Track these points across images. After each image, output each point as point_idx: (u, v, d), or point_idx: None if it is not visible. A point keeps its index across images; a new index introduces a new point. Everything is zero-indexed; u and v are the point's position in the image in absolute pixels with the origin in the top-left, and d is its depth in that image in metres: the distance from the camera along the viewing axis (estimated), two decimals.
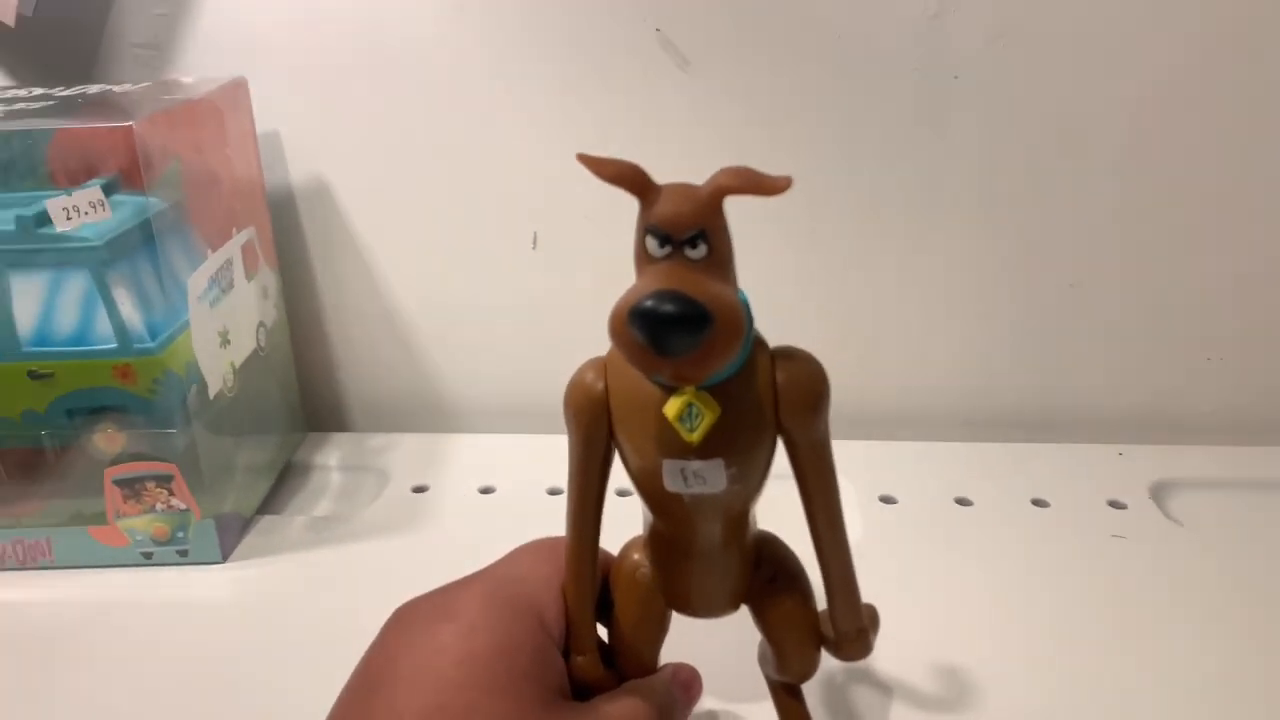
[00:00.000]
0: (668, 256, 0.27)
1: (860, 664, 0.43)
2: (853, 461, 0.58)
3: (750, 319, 0.29)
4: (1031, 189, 0.59)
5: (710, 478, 0.29)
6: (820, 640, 0.34)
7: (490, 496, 0.58)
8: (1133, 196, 0.59)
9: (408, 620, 0.31)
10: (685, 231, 0.26)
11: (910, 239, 0.61)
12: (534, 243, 0.62)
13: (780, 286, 0.58)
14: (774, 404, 0.29)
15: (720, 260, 0.27)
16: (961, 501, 0.56)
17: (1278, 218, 0.59)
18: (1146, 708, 0.41)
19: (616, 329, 0.26)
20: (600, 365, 0.30)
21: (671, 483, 0.29)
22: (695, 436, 0.28)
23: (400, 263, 0.64)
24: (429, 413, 0.68)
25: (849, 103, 0.57)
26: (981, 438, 0.62)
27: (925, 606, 0.47)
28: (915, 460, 0.60)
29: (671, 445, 0.28)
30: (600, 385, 0.30)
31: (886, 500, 0.56)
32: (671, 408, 0.28)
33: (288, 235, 0.63)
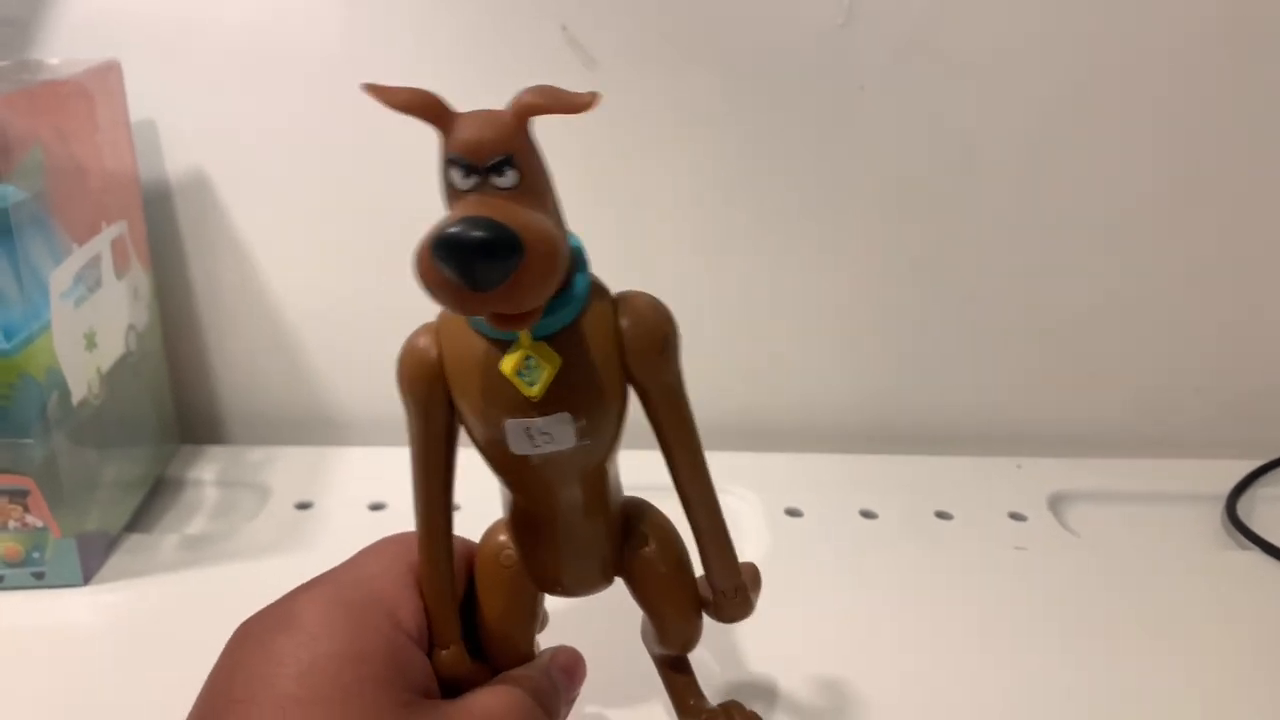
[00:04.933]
0: (475, 188, 0.25)
1: (766, 676, 0.43)
2: (758, 474, 0.58)
3: (584, 262, 0.28)
4: (932, 202, 0.59)
5: (557, 434, 0.27)
6: (700, 605, 0.33)
7: (381, 513, 0.55)
8: (1033, 211, 0.60)
9: (245, 636, 0.29)
10: (490, 157, 0.25)
11: (813, 251, 0.60)
12: None
13: (681, 297, 0.57)
14: (619, 350, 0.28)
15: (534, 188, 0.26)
16: (866, 514, 0.56)
17: (1169, 235, 0.60)
18: (1046, 713, 0.42)
19: (422, 266, 0.24)
20: (432, 330, 0.28)
21: (517, 444, 0.27)
22: (536, 391, 0.26)
23: (284, 263, 0.60)
24: (314, 424, 0.64)
25: (755, 109, 0.57)
26: (884, 450, 0.62)
27: (832, 618, 0.47)
28: (820, 473, 0.60)
29: (513, 404, 0.27)
30: (433, 351, 0.28)
31: (792, 513, 0.56)
32: (508, 363, 0.26)
33: (162, 232, 0.59)
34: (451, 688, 0.31)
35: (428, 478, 0.29)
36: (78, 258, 0.47)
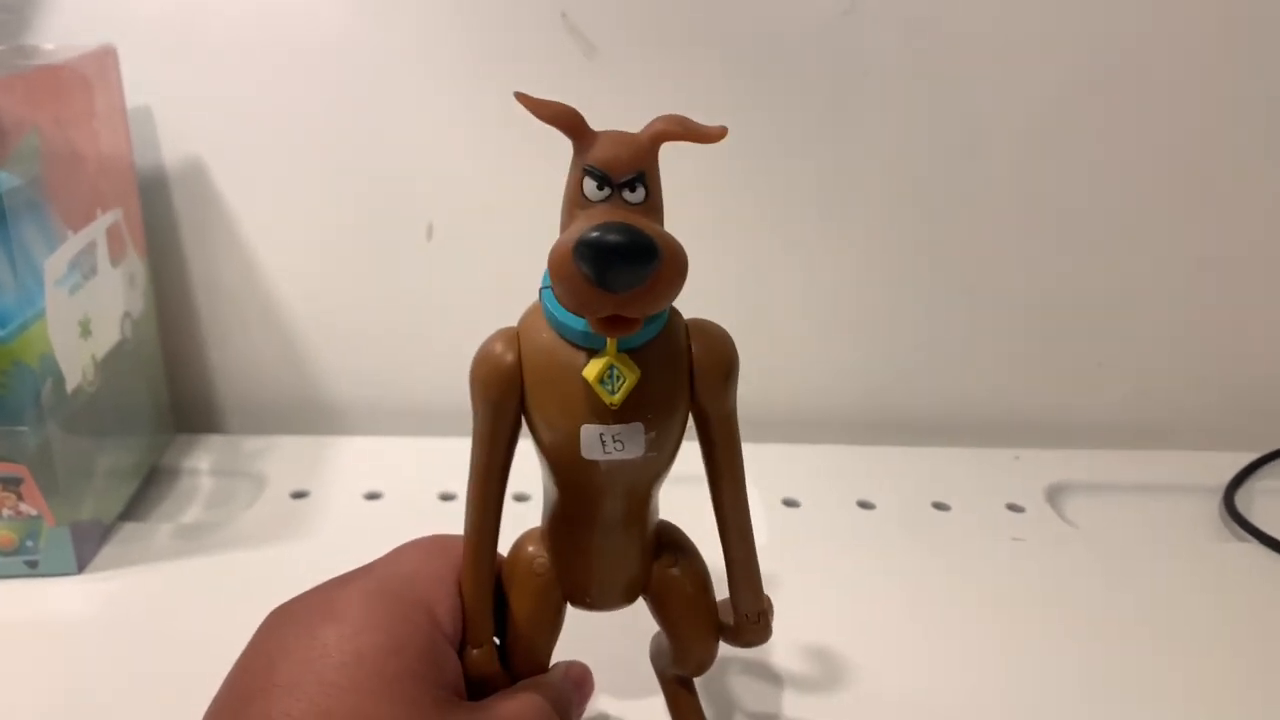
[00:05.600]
0: (606, 199, 0.27)
1: (762, 665, 0.43)
2: (756, 465, 0.57)
3: None
4: (934, 192, 0.59)
5: (629, 443, 0.28)
6: (719, 629, 0.34)
7: (377, 502, 0.55)
8: (1034, 202, 0.59)
9: (285, 622, 0.29)
10: (625, 174, 0.27)
11: (812, 239, 0.60)
12: (429, 233, 0.59)
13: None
14: (689, 372, 0.29)
15: (656, 206, 0.28)
16: (864, 505, 0.56)
17: (1173, 228, 0.60)
18: (1042, 704, 0.42)
19: (559, 264, 0.25)
20: (511, 335, 0.29)
21: (589, 449, 0.28)
22: (617, 399, 0.28)
23: (281, 252, 0.60)
24: (310, 413, 0.64)
25: (757, 97, 0.56)
26: (882, 441, 0.62)
27: (829, 609, 0.47)
28: (817, 464, 0.60)
29: (591, 410, 0.28)
30: (511, 356, 0.29)
31: (790, 504, 0.56)
32: (592, 370, 0.27)
33: (158, 219, 0.58)
34: (474, 689, 0.31)
35: (486, 477, 0.30)
36: (73, 245, 0.47)
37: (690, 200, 0.59)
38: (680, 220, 0.57)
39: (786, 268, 0.61)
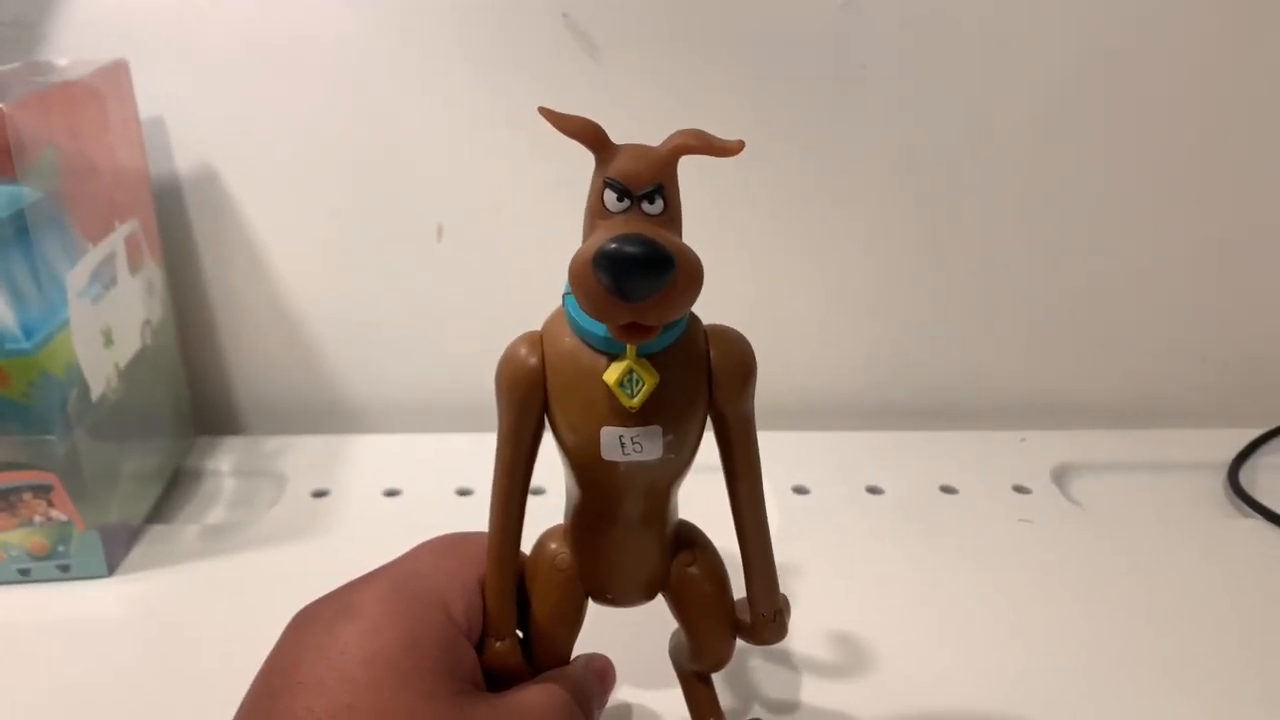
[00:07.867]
0: (625, 210, 0.28)
1: (773, 652, 0.44)
2: (765, 453, 0.58)
3: None
4: (938, 178, 0.60)
5: (647, 445, 0.29)
6: (736, 627, 0.35)
7: (396, 499, 0.56)
8: (1036, 186, 0.60)
9: (308, 622, 0.30)
10: (644, 186, 0.27)
11: (817, 229, 0.61)
12: (439, 235, 0.60)
13: None
14: (707, 377, 0.30)
15: (674, 217, 0.28)
16: (873, 490, 0.57)
17: (1175, 208, 0.61)
18: (1052, 683, 0.42)
19: (579, 274, 0.26)
20: (535, 339, 0.30)
21: (609, 451, 0.29)
22: (635, 402, 0.28)
23: (295, 256, 0.61)
24: (328, 413, 0.65)
25: (758, 91, 0.57)
26: (890, 426, 0.63)
27: (841, 595, 0.47)
28: (826, 451, 0.61)
29: (611, 413, 0.29)
30: (534, 359, 0.30)
31: (800, 491, 0.56)
32: (612, 374, 0.28)
33: (173, 228, 0.59)
34: (496, 682, 0.32)
35: (511, 475, 0.31)
36: (93, 256, 0.48)
37: (697, 195, 0.60)
38: (687, 216, 0.58)
39: (792, 258, 0.62)
